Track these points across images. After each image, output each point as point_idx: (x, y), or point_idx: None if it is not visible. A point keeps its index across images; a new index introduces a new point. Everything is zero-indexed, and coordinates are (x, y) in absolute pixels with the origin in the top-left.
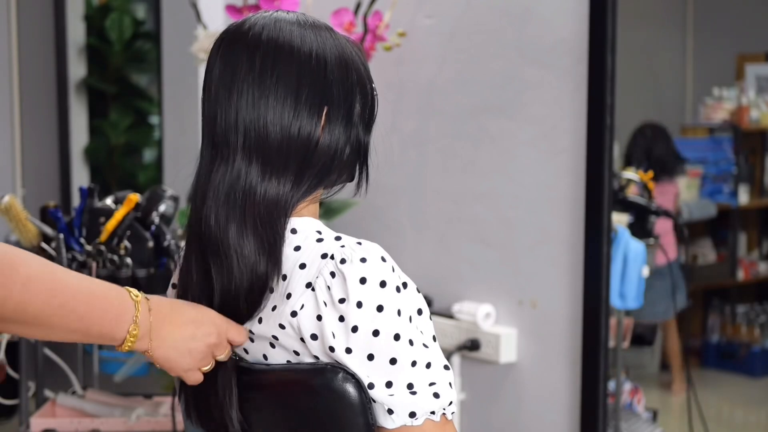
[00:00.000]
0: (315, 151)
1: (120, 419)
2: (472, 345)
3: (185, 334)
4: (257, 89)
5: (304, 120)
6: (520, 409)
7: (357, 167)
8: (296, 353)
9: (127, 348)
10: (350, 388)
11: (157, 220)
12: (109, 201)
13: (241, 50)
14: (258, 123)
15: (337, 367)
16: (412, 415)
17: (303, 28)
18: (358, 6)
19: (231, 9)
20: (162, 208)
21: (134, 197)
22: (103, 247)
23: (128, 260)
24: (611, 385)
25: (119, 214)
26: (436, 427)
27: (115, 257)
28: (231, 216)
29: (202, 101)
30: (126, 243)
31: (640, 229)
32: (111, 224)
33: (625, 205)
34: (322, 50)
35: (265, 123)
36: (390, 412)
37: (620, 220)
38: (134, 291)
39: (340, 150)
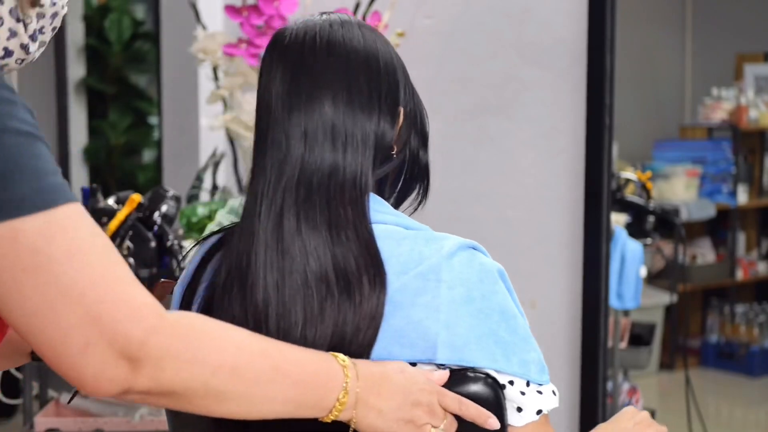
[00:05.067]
0: (392, 152)
1: (123, 419)
2: None
3: (392, 405)
4: (342, 93)
5: (384, 122)
6: None
7: (417, 180)
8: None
9: (332, 417)
10: (483, 389)
11: (159, 220)
12: (111, 201)
13: (315, 55)
14: (339, 125)
15: (466, 368)
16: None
17: (370, 31)
18: (357, 6)
19: (230, 9)
20: (164, 208)
21: (136, 197)
22: None
23: (131, 260)
24: (609, 385)
25: (122, 214)
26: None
27: None
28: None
29: (263, 106)
30: (128, 243)
31: (638, 229)
32: (113, 224)
33: (623, 205)
34: (390, 56)
35: (351, 125)
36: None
37: (618, 220)
38: (341, 356)
39: (413, 151)
